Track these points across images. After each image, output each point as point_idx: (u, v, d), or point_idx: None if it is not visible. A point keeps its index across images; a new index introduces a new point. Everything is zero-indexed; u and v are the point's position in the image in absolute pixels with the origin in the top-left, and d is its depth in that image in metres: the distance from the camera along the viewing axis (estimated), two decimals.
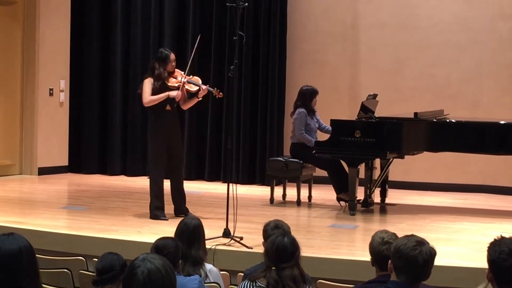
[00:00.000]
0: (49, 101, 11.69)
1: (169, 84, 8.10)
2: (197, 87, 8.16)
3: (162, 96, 8.06)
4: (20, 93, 11.54)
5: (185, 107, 8.42)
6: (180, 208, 8.15)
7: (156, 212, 8.16)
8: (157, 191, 8.20)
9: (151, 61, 8.77)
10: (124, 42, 11.96)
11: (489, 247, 3.37)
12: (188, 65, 8.24)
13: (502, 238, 3.39)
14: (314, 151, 8.98)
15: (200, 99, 8.25)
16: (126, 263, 4.48)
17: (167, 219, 8.05)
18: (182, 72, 8.21)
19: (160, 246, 4.64)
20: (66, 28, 11.90)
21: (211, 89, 8.16)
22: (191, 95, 8.33)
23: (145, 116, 11.73)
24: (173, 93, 8.04)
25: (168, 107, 8.11)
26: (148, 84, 8.16)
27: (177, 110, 8.36)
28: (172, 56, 8.21)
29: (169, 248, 4.60)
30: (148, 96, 8.12)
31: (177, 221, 5.77)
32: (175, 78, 8.15)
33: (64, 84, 11.90)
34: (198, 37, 8.34)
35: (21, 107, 11.56)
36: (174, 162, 8.25)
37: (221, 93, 8.21)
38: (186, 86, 8.14)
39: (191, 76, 8.28)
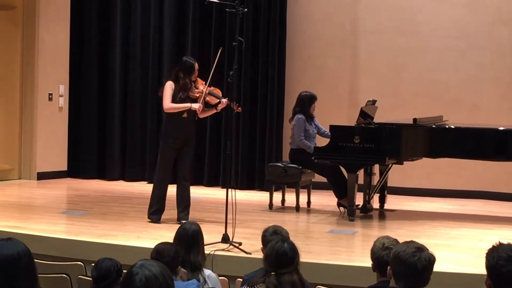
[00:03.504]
0: (48, 106, 11.70)
1: (190, 94, 8.12)
2: (218, 100, 8.19)
3: (184, 106, 8.09)
4: (19, 98, 11.55)
5: (202, 115, 8.42)
6: (181, 215, 8.15)
7: (151, 215, 8.24)
8: (157, 194, 8.24)
9: (174, 68, 8.65)
10: (123, 48, 11.97)
11: (487, 253, 3.37)
12: (210, 76, 8.21)
13: (500, 244, 3.39)
14: (313, 157, 8.98)
15: (218, 111, 8.29)
16: (122, 268, 4.48)
17: (159, 223, 8.13)
18: (204, 82, 8.22)
19: (160, 251, 4.65)
20: (65, 33, 11.91)
21: (231, 104, 8.15)
22: (210, 105, 8.33)
23: (144, 120, 11.78)
24: (195, 106, 8.06)
25: (185, 114, 8.13)
26: (169, 88, 8.16)
27: (194, 118, 8.35)
28: (196, 65, 8.23)
29: (169, 253, 4.62)
30: (168, 102, 8.12)
31: (176, 226, 5.77)
32: (197, 88, 8.17)
33: (63, 89, 11.91)
34: (219, 50, 8.29)
35: (21, 111, 11.56)
36: (182, 169, 8.26)
37: (240, 108, 8.17)
38: (207, 98, 8.16)
39: (212, 88, 8.30)
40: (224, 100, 8.17)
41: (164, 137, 8.32)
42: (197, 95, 8.13)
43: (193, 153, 8.62)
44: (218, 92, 8.32)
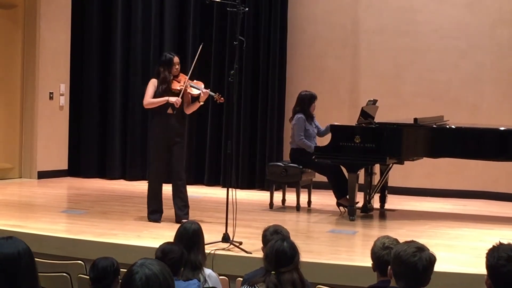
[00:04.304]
0: (49, 104, 11.71)
1: (172, 87, 8.14)
2: (199, 91, 8.18)
3: (161, 100, 8.12)
4: (20, 97, 11.55)
5: (188, 111, 8.42)
6: (180, 215, 8.14)
7: (151, 215, 8.25)
8: (153, 193, 8.26)
9: (155, 65, 8.78)
10: (124, 47, 11.97)
11: (487, 253, 3.38)
12: (190, 71, 8.25)
13: (501, 244, 3.39)
14: (314, 157, 8.98)
15: (202, 103, 8.28)
16: (119, 267, 4.49)
17: (159, 222, 8.14)
18: (186, 77, 8.23)
19: (166, 251, 4.66)
20: (66, 31, 11.92)
21: (212, 93, 8.18)
22: (194, 99, 8.35)
23: (145, 120, 11.78)
24: (172, 99, 8.07)
25: (169, 110, 8.14)
26: (151, 86, 8.24)
27: (182, 115, 8.36)
28: (176, 59, 8.24)
29: (174, 253, 4.63)
30: (148, 98, 8.21)
31: (177, 225, 5.78)
32: (179, 82, 8.19)
33: (64, 88, 11.91)
34: (200, 46, 8.35)
35: (21, 110, 11.57)
36: (175, 167, 8.27)
37: (222, 98, 8.21)
38: (188, 90, 8.16)
39: (194, 81, 8.32)
40: (204, 91, 8.15)
41: (152, 134, 8.37)
42: (178, 88, 8.14)
43: (184, 151, 8.63)
44: (199, 84, 8.31)
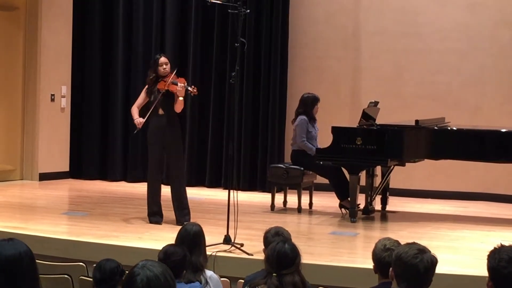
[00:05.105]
0: (51, 106, 11.71)
1: (158, 87, 8.18)
2: (176, 86, 8.17)
3: (133, 114, 8.36)
4: (21, 99, 11.55)
5: (177, 109, 8.34)
6: (180, 218, 8.13)
7: (151, 217, 8.26)
8: (152, 195, 8.26)
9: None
10: (126, 49, 11.98)
11: (489, 255, 3.38)
12: (173, 74, 8.21)
13: (502, 246, 3.39)
14: (316, 159, 8.98)
15: (181, 98, 8.18)
16: (123, 269, 4.49)
17: (160, 224, 8.15)
18: (174, 75, 8.21)
19: (169, 252, 4.67)
20: (68, 34, 11.92)
21: (187, 87, 8.17)
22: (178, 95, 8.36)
23: (146, 121, 11.77)
24: (137, 120, 8.28)
25: (160, 111, 8.17)
26: (142, 92, 8.41)
27: (177, 115, 8.36)
28: (162, 59, 8.25)
29: (177, 255, 4.63)
30: (134, 106, 8.45)
31: (178, 227, 5.77)
32: (165, 82, 8.19)
33: (65, 89, 11.91)
34: (175, 69, 8.35)
35: (23, 112, 11.57)
36: (172, 169, 8.29)
37: (195, 90, 8.18)
38: (171, 88, 8.17)
39: (177, 78, 8.29)
40: (180, 84, 8.12)
41: (147, 136, 8.40)
42: (163, 87, 8.17)
43: (183, 153, 8.63)
44: (181, 80, 8.28)
